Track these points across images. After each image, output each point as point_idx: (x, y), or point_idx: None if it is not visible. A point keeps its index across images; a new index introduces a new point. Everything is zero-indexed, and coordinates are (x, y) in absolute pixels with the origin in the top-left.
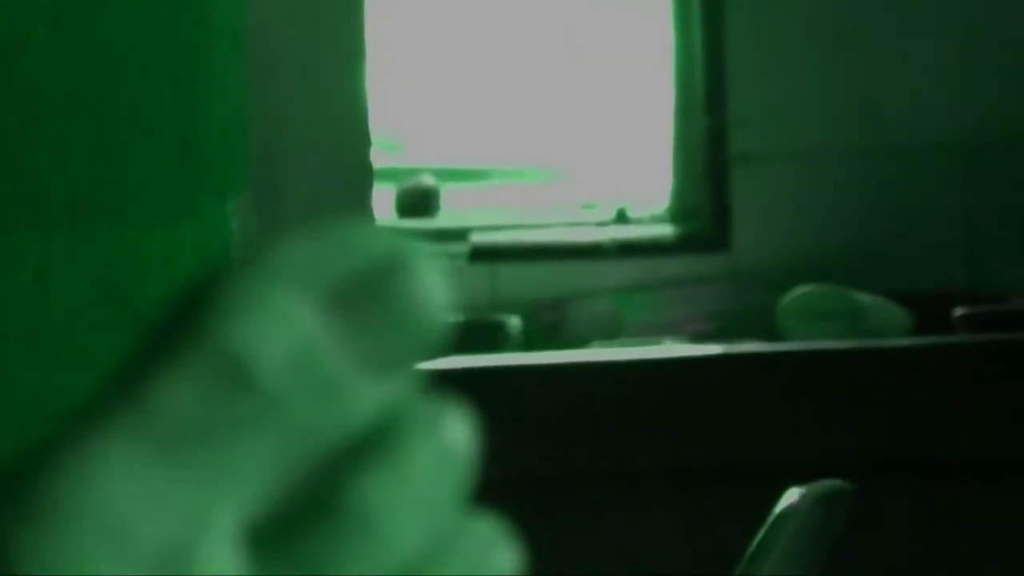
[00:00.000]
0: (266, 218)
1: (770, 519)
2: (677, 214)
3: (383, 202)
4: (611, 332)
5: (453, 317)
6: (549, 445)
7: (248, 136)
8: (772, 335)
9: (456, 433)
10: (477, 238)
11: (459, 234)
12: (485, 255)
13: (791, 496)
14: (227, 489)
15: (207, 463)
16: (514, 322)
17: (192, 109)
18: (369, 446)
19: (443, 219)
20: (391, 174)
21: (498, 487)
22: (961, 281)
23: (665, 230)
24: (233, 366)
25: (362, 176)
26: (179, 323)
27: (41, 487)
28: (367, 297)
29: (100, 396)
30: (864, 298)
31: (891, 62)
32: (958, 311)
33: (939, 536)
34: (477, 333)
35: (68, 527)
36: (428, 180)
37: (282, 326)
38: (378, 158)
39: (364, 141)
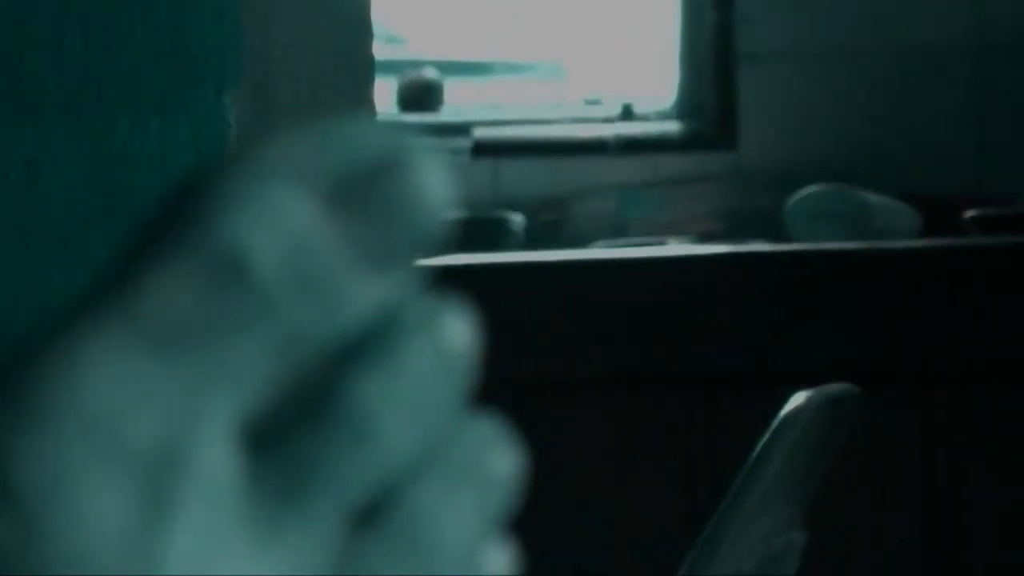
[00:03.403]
0: (264, 111)
1: (775, 422)
2: (683, 111)
3: (384, 95)
4: (615, 230)
5: (454, 213)
6: (550, 345)
7: (244, 27)
8: (779, 235)
9: (455, 332)
10: (480, 133)
11: (461, 129)
12: (488, 150)
13: (797, 399)
14: (221, 388)
15: (200, 361)
16: (516, 219)
17: None
18: (366, 345)
19: (445, 113)
20: (392, 67)
21: (497, 387)
22: (971, 182)
23: (671, 127)
24: (228, 262)
25: (363, 69)
26: (174, 218)
27: (29, 386)
28: (366, 193)
29: (92, 292)
30: (872, 198)
31: None
32: (968, 212)
33: (943, 441)
34: (479, 230)
35: (56, 427)
36: (431, 73)
37: (279, 222)
38: (379, 51)
39: (365, 33)
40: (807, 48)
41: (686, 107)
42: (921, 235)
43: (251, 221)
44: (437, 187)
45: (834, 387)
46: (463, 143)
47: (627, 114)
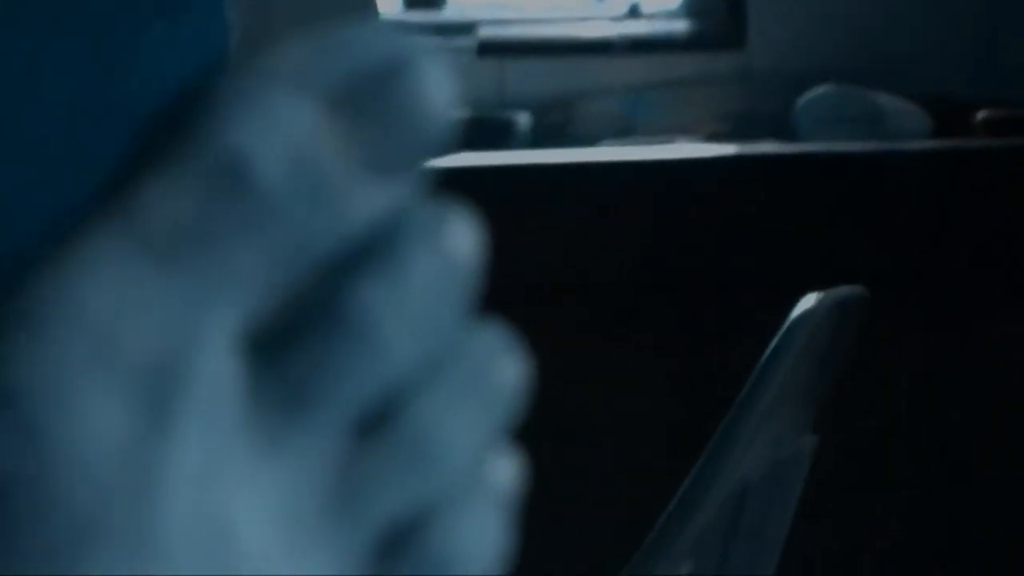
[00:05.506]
0: (264, 15)
1: (785, 325)
2: (691, 10)
3: None
4: (622, 131)
5: (459, 114)
6: (555, 249)
7: None
8: (787, 137)
9: (460, 238)
10: (485, 32)
11: (466, 28)
12: (493, 50)
13: (807, 302)
14: (222, 297)
15: (202, 270)
16: (523, 119)
17: None
18: (370, 252)
19: (450, 12)
20: None
21: (501, 293)
22: (982, 84)
23: (678, 26)
24: (230, 168)
25: None
26: (175, 125)
27: (30, 295)
28: (369, 97)
29: (93, 202)
30: (882, 100)
31: None
32: (980, 115)
33: (947, 349)
34: (485, 130)
35: (56, 336)
36: None
37: (281, 128)
38: None
39: None
40: None
41: (694, 6)
42: (932, 138)
43: (253, 128)
44: (442, 90)
45: (843, 290)
46: (468, 42)
47: (634, 13)
